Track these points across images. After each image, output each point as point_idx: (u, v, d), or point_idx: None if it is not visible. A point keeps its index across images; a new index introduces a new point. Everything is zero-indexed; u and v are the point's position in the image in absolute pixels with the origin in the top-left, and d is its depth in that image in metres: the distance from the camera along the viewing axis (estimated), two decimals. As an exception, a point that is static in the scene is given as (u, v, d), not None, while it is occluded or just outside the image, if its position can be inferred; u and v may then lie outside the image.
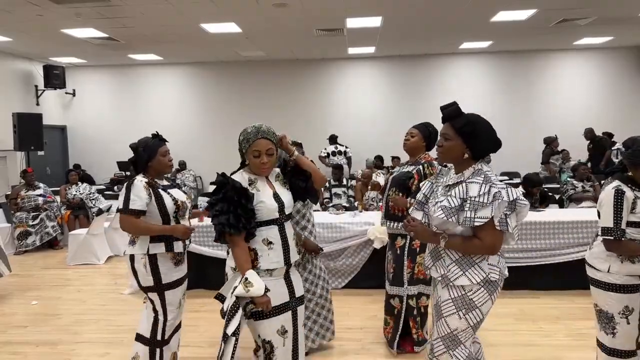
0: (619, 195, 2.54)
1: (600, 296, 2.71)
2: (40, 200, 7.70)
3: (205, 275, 5.14)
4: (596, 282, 2.71)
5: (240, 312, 2.25)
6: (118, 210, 2.90)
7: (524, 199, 2.14)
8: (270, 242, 2.35)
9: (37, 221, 7.55)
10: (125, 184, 2.92)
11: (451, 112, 2.24)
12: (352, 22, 8.18)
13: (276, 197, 2.41)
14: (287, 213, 2.44)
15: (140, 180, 2.91)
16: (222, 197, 2.29)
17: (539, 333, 3.99)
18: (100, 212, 7.67)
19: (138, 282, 2.95)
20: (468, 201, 2.14)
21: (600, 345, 2.79)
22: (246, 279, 2.24)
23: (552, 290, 4.90)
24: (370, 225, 5.05)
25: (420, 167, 3.44)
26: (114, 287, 5.64)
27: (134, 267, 2.91)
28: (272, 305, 2.30)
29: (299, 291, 2.50)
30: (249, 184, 2.37)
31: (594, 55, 11.31)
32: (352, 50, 10.84)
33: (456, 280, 2.22)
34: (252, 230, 2.31)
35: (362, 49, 10.64)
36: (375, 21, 8.16)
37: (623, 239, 2.56)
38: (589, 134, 9.49)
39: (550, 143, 10.00)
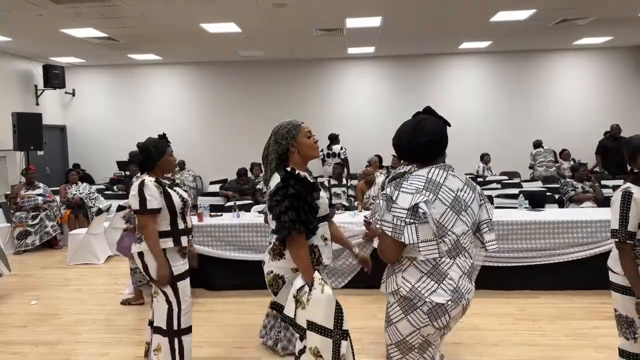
0: (625, 197, 2.51)
1: (618, 300, 2.62)
2: (40, 199, 7.70)
3: (205, 275, 5.14)
4: (614, 285, 2.63)
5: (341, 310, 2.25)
6: (135, 212, 2.95)
7: (424, 207, 1.91)
8: (326, 239, 2.39)
9: (36, 221, 7.54)
10: (136, 185, 2.96)
11: (413, 117, 2.24)
12: (352, 22, 8.18)
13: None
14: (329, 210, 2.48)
15: (150, 180, 2.99)
16: (291, 193, 2.24)
17: (538, 333, 3.99)
18: (100, 211, 7.66)
19: (150, 276, 2.98)
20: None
21: (622, 352, 2.67)
22: (321, 279, 2.26)
23: (552, 290, 4.90)
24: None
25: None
26: (113, 287, 5.64)
27: (145, 262, 2.95)
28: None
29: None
30: None
31: (593, 55, 11.31)
32: (351, 50, 10.84)
33: (381, 286, 2.17)
34: (314, 228, 2.30)
35: (362, 49, 10.64)
36: (374, 21, 8.16)
37: (629, 241, 2.50)
38: (619, 130, 9.23)
39: (541, 145, 10.09)
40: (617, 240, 2.54)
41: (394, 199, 1.98)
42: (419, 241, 1.92)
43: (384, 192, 2.06)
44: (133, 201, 2.94)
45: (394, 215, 1.96)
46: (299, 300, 2.24)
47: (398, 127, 2.26)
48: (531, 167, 10.11)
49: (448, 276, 1.98)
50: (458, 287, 1.99)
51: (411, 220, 1.92)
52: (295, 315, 2.26)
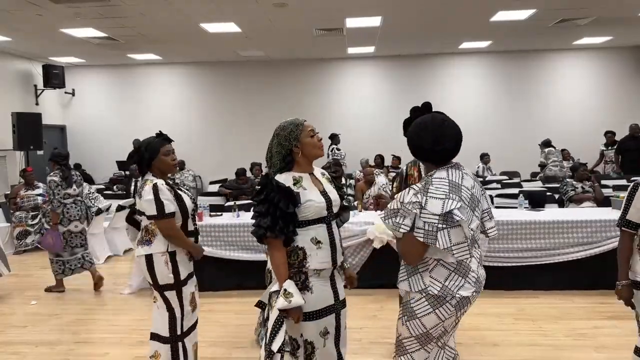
0: (633, 188, 2.54)
1: (635, 296, 2.56)
2: (40, 199, 7.68)
3: (202, 275, 5.10)
4: (635, 283, 2.56)
5: (284, 326, 2.17)
6: (151, 217, 2.83)
7: (459, 214, 1.96)
8: (319, 242, 2.26)
9: (36, 221, 7.53)
10: (150, 190, 2.84)
11: (412, 113, 2.26)
12: (352, 22, 8.18)
13: (324, 194, 2.32)
14: (334, 211, 2.37)
15: (161, 183, 2.89)
16: (263, 199, 2.22)
17: (538, 333, 3.99)
18: (99, 211, 7.64)
19: (155, 281, 2.88)
20: (402, 206, 2.09)
21: (637, 350, 2.61)
22: (285, 290, 2.15)
23: (552, 290, 4.90)
24: (370, 224, 5.05)
25: (406, 166, 3.50)
26: (113, 286, 5.64)
27: (153, 267, 2.85)
28: (317, 308, 2.25)
29: (342, 294, 2.42)
30: (294, 183, 2.26)
31: (593, 55, 11.31)
32: (351, 50, 10.84)
33: (400, 283, 2.17)
34: (290, 235, 2.22)
35: (362, 48, 10.65)
36: (374, 21, 8.16)
37: (625, 228, 2.53)
38: (639, 130, 9.06)
39: (551, 144, 10.02)
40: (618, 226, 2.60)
41: (423, 205, 2.00)
42: (452, 245, 1.99)
43: (411, 199, 2.03)
44: (148, 206, 2.82)
45: (424, 222, 1.99)
46: (270, 304, 2.22)
47: (403, 123, 2.29)
48: (542, 165, 10.01)
49: (471, 269, 2.09)
50: (478, 277, 2.11)
51: (443, 226, 1.97)
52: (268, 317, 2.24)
